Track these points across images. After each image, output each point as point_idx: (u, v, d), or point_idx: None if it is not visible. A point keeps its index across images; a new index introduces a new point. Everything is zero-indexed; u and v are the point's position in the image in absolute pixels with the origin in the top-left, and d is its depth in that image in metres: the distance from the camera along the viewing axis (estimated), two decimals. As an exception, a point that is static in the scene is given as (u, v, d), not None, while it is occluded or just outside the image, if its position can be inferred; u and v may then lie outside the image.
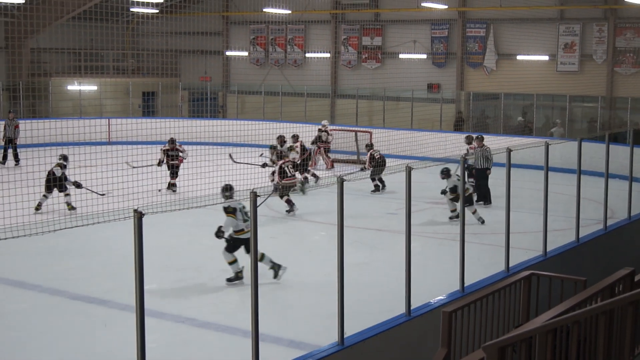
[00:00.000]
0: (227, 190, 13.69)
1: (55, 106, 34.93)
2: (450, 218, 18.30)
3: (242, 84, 39.48)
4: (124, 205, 14.41)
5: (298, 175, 20.78)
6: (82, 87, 35.21)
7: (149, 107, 39.21)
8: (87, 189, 17.99)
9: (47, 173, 18.83)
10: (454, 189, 17.55)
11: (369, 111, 35.35)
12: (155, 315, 11.14)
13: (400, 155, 25.88)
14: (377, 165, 22.48)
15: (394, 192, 21.53)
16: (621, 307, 6.99)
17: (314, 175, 23.34)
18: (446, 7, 32.75)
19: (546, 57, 33.04)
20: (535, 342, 6.51)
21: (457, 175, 17.39)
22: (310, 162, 24.05)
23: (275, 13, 35.81)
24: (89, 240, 15.20)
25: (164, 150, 22.15)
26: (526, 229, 16.35)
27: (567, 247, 13.72)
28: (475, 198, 19.11)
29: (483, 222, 17.72)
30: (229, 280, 13.14)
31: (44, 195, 18.79)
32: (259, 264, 12.74)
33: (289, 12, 34.99)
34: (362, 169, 23.94)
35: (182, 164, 21.84)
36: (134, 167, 20.30)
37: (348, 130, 29.60)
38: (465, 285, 10.83)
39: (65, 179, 18.76)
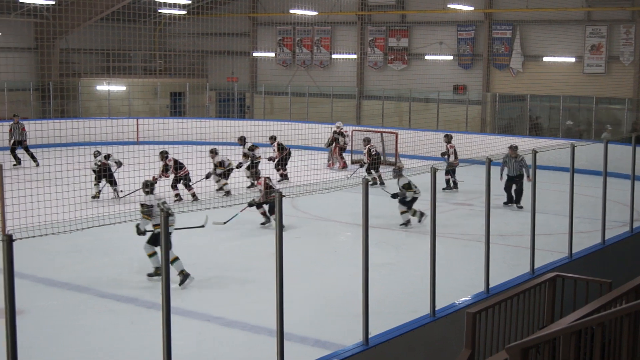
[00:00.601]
0: (147, 186, 13.73)
1: (84, 106, 35.19)
2: (402, 225, 17.72)
3: (269, 85, 39.52)
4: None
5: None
6: (111, 87, 35.42)
7: (176, 108, 39.40)
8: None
9: (98, 165, 20.01)
10: (407, 185, 17.34)
11: (395, 112, 35.27)
12: (182, 313, 11.20)
13: (425, 157, 25.87)
14: (374, 160, 23.17)
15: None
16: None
17: (282, 175, 23.61)
18: (472, 8, 32.63)
19: (573, 59, 32.82)
20: (559, 344, 6.48)
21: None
22: (287, 161, 24.07)
23: (302, 14, 35.88)
24: (116, 239, 15.28)
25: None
26: (552, 231, 16.27)
27: (593, 249, 13.64)
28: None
29: (420, 218, 17.64)
30: (150, 275, 13.16)
31: (96, 184, 20.11)
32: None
33: (316, 13, 35.03)
34: (360, 165, 24.52)
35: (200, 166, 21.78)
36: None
37: (374, 132, 29.56)
38: (490, 286, 10.81)
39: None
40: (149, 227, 13.06)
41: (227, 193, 20.94)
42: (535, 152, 11.96)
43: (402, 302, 11.97)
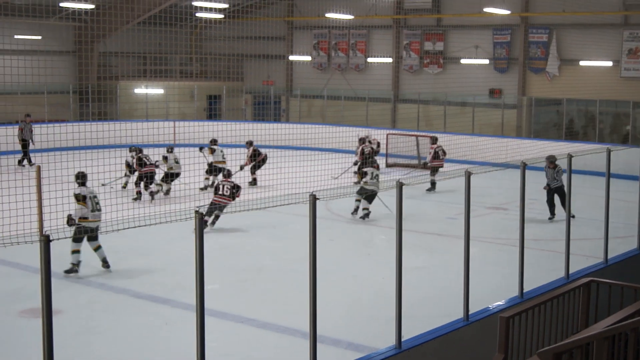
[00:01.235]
0: (79, 177, 13.92)
1: (123, 109, 35.49)
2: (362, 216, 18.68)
3: (305, 88, 39.59)
4: (186, 206, 14.60)
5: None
6: (149, 90, 35.67)
7: (213, 110, 39.58)
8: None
9: (137, 159, 20.91)
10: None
11: (430, 116, 35.15)
12: (217, 315, 11.23)
13: (461, 160, 25.77)
14: (366, 159, 23.30)
15: (454, 196, 21.37)
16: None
17: (254, 180, 23.63)
18: (509, 12, 32.42)
19: (610, 63, 32.48)
20: (592, 350, 6.42)
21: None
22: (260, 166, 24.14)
23: (338, 18, 35.86)
24: (152, 240, 15.38)
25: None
26: (587, 236, 16.13)
27: (628, 254, 13.51)
28: None
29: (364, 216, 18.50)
30: (66, 272, 13.28)
31: (127, 175, 21.52)
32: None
33: (352, 17, 34.99)
34: (354, 163, 24.89)
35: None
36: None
37: (409, 135, 29.52)
38: (525, 290, 10.74)
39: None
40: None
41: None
42: (570, 157, 11.86)
43: (435, 306, 11.92)
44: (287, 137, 27.78)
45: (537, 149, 24.81)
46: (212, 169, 22.62)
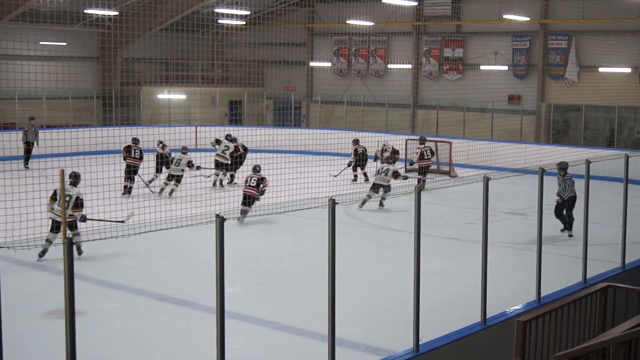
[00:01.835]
0: (72, 177, 14.66)
1: (146, 114, 35.68)
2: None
3: (325, 94, 39.65)
4: (207, 210, 14.67)
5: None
6: (171, 95, 35.84)
7: (235, 116, 39.71)
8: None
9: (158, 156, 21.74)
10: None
11: (449, 122, 35.07)
12: (237, 317, 11.27)
13: (479, 166, 25.74)
14: (360, 159, 25.57)
15: (472, 201, 21.32)
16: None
17: (231, 177, 23.88)
18: (528, 19, 32.35)
19: (629, 69, 32.33)
20: (609, 354, 6.41)
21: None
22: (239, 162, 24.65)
23: (358, 25, 35.90)
24: (174, 243, 15.44)
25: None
26: (605, 241, 16.06)
27: (646, 259, 13.43)
28: None
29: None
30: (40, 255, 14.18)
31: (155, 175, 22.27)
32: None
33: (372, 23, 35.02)
34: (349, 164, 26.00)
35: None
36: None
37: (428, 140, 29.46)
38: (542, 295, 10.72)
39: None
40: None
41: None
42: (588, 162, 11.82)
43: (453, 310, 11.91)
44: (308, 143, 27.82)
45: (556, 154, 24.70)
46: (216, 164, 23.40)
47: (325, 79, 41.42)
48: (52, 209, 14.24)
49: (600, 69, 33.00)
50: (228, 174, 23.77)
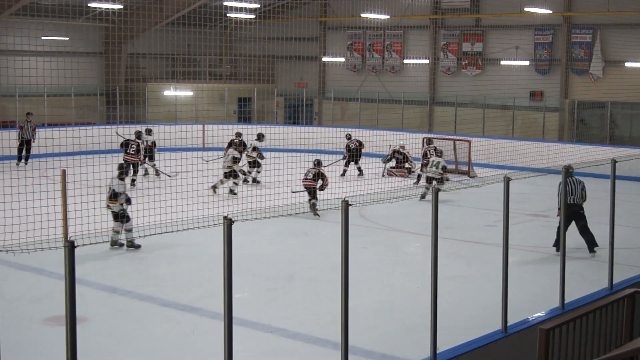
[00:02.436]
0: (118, 169, 15.71)
1: (152, 111, 35.72)
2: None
3: (338, 91, 39.58)
4: (214, 212, 14.65)
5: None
6: (178, 92, 35.88)
7: (244, 113, 39.71)
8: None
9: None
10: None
11: (468, 119, 34.98)
12: (245, 324, 11.24)
13: (500, 165, 25.65)
14: (353, 154, 26.43)
15: (492, 203, 21.26)
16: None
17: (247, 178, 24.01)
18: (550, 11, 32.22)
19: (657, 64, 32.21)
20: (637, 364, 6.35)
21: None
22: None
23: (373, 18, 35.84)
24: (180, 247, 15.44)
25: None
26: (632, 245, 15.96)
27: (676, 264, 13.36)
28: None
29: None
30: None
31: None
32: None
33: (387, 17, 34.96)
34: (343, 158, 27.00)
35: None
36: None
37: (446, 139, 29.40)
38: (566, 302, 10.65)
39: None
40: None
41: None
42: (614, 162, 11.75)
43: (472, 317, 11.85)
44: (320, 141, 27.79)
45: (580, 153, 24.61)
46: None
47: (338, 75, 41.38)
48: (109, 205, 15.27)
49: (627, 64, 32.85)
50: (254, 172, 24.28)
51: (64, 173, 13.25)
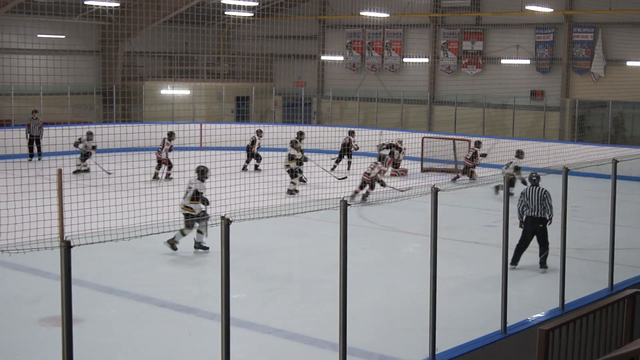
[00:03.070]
0: (198, 171, 15.58)
1: (148, 110, 35.72)
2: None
3: (337, 90, 39.58)
4: (212, 211, 14.67)
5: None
6: (175, 91, 35.88)
7: (242, 112, 39.70)
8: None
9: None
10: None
11: (469, 119, 35.00)
12: (243, 325, 11.27)
13: (500, 165, 25.64)
14: (344, 149, 27.60)
15: (492, 203, 21.28)
16: None
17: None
18: (552, 10, 32.25)
19: (659, 63, 32.23)
20: (637, 365, 6.37)
21: None
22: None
23: (373, 16, 35.83)
24: (177, 247, 15.43)
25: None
26: (632, 245, 15.99)
27: (677, 264, 13.39)
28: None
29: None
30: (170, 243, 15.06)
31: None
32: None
33: (387, 15, 34.96)
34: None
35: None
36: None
37: (445, 139, 29.43)
38: (566, 302, 10.68)
39: None
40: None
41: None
42: (615, 162, 11.77)
43: (471, 318, 11.88)
44: (319, 141, 27.81)
45: (581, 153, 24.62)
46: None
47: (337, 74, 41.39)
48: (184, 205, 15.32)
49: (629, 63, 32.88)
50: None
51: (60, 172, 13.26)
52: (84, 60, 34.89)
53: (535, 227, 14.28)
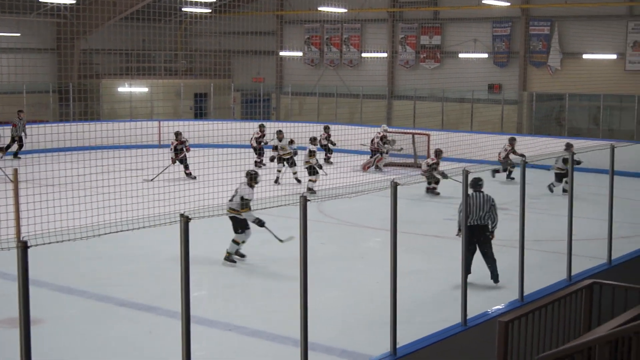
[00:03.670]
0: (247, 176, 15.14)
1: (106, 108, 35.49)
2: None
3: (296, 85, 39.61)
4: (171, 209, 14.61)
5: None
6: (133, 88, 35.67)
7: (200, 109, 39.58)
8: None
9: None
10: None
11: (427, 113, 35.16)
12: (204, 322, 11.24)
13: (459, 159, 25.84)
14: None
15: (451, 197, 21.41)
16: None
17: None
18: (508, 4, 32.45)
19: (614, 56, 32.57)
20: (595, 354, 6.46)
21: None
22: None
23: (331, 12, 35.83)
24: (137, 246, 15.34)
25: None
26: (590, 236, 16.16)
27: (633, 254, 13.56)
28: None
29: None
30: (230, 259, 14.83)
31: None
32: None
33: (345, 10, 34.94)
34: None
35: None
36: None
37: (405, 133, 29.55)
38: (525, 294, 10.78)
39: None
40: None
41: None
42: (572, 153, 11.91)
43: (432, 311, 11.96)
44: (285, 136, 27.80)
45: (539, 146, 24.85)
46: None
47: (296, 69, 41.39)
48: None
49: (584, 56, 33.22)
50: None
51: (16, 172, 13.15)
52: (40, 58, 34.54)
53: (476, 238, 12.98)
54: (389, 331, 8.79)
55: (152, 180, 21.43)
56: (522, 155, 21.62)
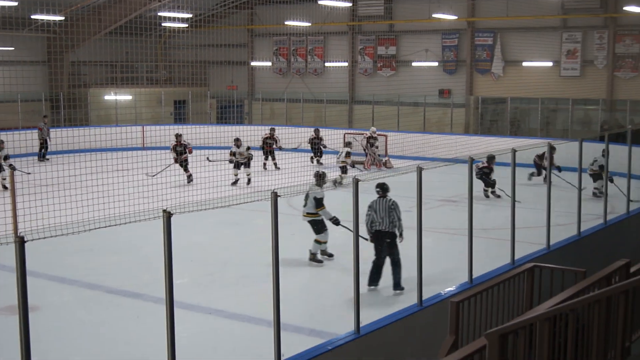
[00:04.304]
0: (316, 177, 14.72)
1: (94, 115, 35.21)
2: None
3: (266, 92, 39.58)
4: (156, 205, 14.54)
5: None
6: (118, 97, 35.44)
7: (180, 115, 39.40)
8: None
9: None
10: None
11: (385, 116, 35.25)
12: (186, 307, 11.21)
13: (413, 157, 25.93)
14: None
15: (407, 190, 21.45)
16: (616, 295, 6.97)
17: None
18: (456, 17, 32.67)
19: (550, 63, 32.86)
20: (536, 330, 6.52)
21: None
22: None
23: (296, 25, 35.84)
24: (124, 239, 15.25)
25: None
26: (531, 224, 16.28)
27: (569, 240, 13.70)
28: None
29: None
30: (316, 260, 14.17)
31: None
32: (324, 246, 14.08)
33: (309, 24, 35.01)
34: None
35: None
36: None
37: (364, 134, 29.57)
38: (474, 277, 10.86)
39: None
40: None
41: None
42: (514, 151, 12.00)
43: (391, 293, 11.99)
44: (251, 139, 27.72)
45: (484, 144, 25.02)
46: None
47: (266, 78, 41.31)
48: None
49: (524, 64, 33.48)
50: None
51: (12, 173, 13.01)
52: (32, 70, 34.24)
53: (383, 242, 12.23)
54: (352, 312, 8.82)
55: (154, 176, 21.18)
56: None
